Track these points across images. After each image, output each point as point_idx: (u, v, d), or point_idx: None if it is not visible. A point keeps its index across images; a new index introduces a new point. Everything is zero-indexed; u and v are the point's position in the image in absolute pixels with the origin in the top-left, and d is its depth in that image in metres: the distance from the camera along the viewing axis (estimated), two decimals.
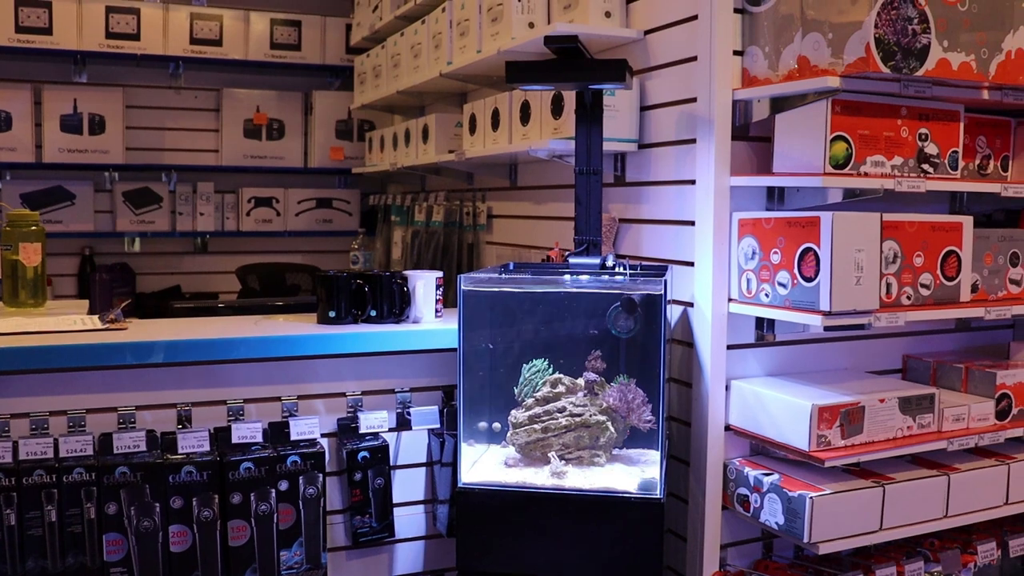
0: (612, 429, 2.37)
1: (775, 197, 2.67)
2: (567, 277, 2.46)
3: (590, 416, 2.35)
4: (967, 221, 2.60)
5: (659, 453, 2.38)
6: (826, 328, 2.41)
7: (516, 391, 2.45)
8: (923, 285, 2.53)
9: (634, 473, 2.37)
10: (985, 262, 2.70)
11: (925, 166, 2.55)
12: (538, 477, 2.33)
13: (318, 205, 5.88)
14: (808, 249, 2.36)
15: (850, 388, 2.58)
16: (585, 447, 2.36)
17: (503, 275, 2.46)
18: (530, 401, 2.41)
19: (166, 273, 5.70)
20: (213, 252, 5.82)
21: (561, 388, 2.39)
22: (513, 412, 2.42)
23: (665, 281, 2.28)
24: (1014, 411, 2.77)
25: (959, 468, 2.67)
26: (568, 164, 3.13)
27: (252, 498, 2.43)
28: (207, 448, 2.43)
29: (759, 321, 2.68)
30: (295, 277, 5.29)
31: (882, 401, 2.51)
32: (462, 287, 2.31)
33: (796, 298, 2.40)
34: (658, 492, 2.26)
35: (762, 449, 2.70)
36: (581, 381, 2.44)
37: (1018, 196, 2.67)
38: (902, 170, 2.51)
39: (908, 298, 2.50)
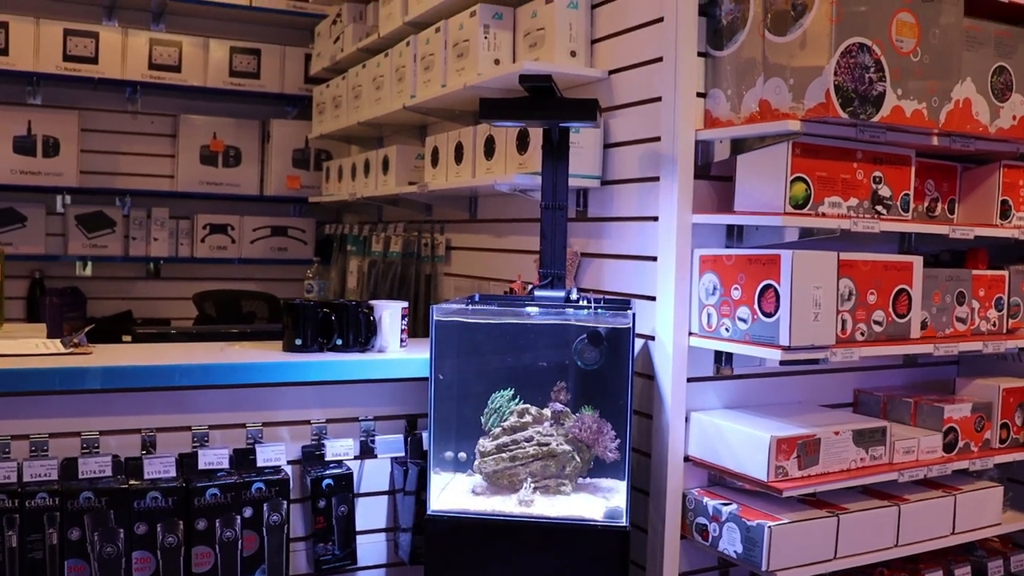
0: (578, 459, 2.42)
1: (735, 235, 2.75)
2: (536, 309, 2.51)
3: (556, 445, 2.39)
4: (917, 261, 2.71)
5: (624, 483, 2.42)
6: (784, 362, 2.49)
7: (483, 420, 2.48)
8: (876, 322, 2.62)
9: (599, 502, 2.42)
10: (934, 300, 2.81)
11: (879, 207, 2.66)
12: (506, 505, 2.37)
13: (273, 233, 5.87)
14: (768, 286, 2.44)
15: (806, 421, 2.66)
16: (551, 476, 2.40)
17: (472, 306, 2.50)
18: (497, 430, 2.45)
19: (118, 298, 5.63)
20: (166, 278, 5.77)
21: (528, 418, 2.43)
22: (481, 441, 2.45)
23: (633, 315, 2.34)
24: (960, 444, 2.88)
25: (909, 499, 2.76)
26: (531, 198, 3.20)
27: (217, 525, 2.42)
28: (173, 474, 2.42)
29: (718, 355, 2.75)
30: (251, 304, 5.28)
31: (837, 433, 2.59)
32: (434, 317, 2.34)
33: (756, 333, 2.48)
34: (623, 520, 2.31)
35: (720, 479, 2.77)
36: (547, 411, 2.48)
37: (964, 238, 2.79)
38: (857, 211, 2.61)
39: (862, 334, 2.60)
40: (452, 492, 2.47)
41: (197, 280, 5.71)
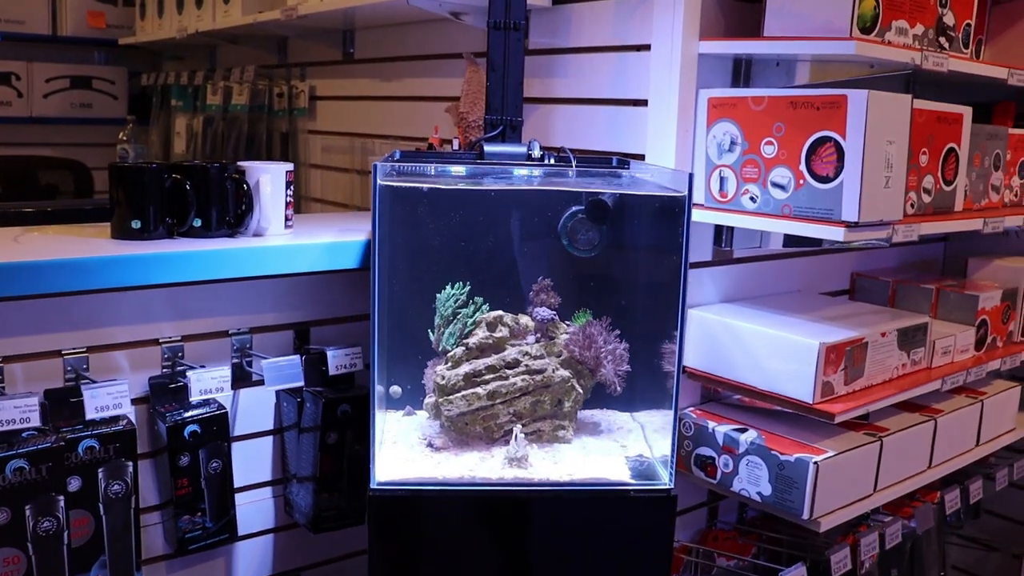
0: (578, 388, 1.67)
1: (741, 76, 2.06)
2: (526, 171, 1.70)
3: (553, 372, 1.64)
4: (967, 112, 2.10)
5: (628, 414, 1.73)
6: (791, 241, 1.87)
7: (433, 336, 1.70)
8: (925, 190, 2.01)
9: (611, 448, 1.69)
10: (974, 164, 2.22)
11: (942, 39, 2.00)
12: (486, 465, 1.59)
13: (73, 85, 4.73)
14: (825, 139, 1.76)
15: (831, 316, 2.05)
16: (544, 416, 1.66)
17: (432, 165, 1.67)
18: (459, 351, 1.67)
19: None
20: None
21: (503, 331, 1.67)
22: (438, 368, 1.66)
23: (690, 175, 1.59)
24: (989, 339, 2.36)
25: (942, 410, 2.22)
26: (453, 22, 2.36)
27: (27, 514, 1.57)
28: None
29: (717, 233, 2.09)
30: (51, 175, 4.16)
31: (884, 335, 1.99)
32: (379, 180, 1.51)
33: (801, 204, 1.80)
34: (666, 479, 1.60)
35: (713, 395, 2.15)
36: (526, 319, 1.73)
37: (1021, 85, 2.19)
38: (922, 41, 1.94)
39: (912, 206, 1.98)
40: (394, 447, 1.69)
41: None
